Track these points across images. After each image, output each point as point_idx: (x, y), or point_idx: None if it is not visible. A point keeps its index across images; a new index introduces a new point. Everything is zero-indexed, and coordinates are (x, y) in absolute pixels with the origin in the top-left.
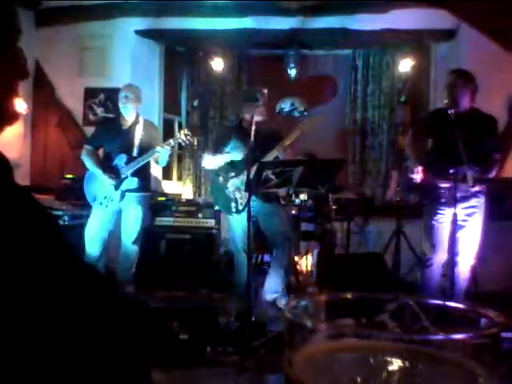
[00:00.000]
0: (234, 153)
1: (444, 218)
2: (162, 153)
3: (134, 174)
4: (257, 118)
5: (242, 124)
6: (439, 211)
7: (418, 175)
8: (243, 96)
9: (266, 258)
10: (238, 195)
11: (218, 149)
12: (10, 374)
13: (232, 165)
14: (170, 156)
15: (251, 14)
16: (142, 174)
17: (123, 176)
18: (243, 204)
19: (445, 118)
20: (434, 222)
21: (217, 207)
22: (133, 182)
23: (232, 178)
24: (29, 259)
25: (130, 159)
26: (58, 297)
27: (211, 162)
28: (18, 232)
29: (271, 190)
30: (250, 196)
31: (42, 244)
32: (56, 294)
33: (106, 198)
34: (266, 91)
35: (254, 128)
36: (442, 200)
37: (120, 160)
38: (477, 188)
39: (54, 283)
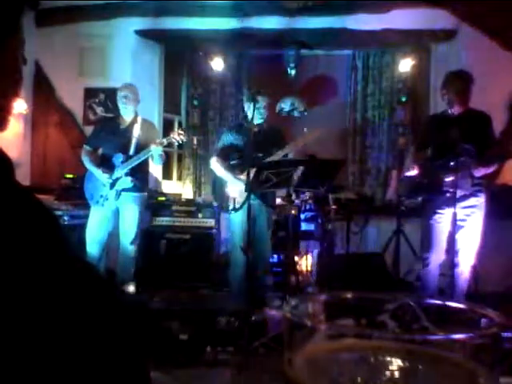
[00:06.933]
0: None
1: (442, 218)
2: (154, 151)
3: (130, 174)
4: (259, 121)
5: (243, 127)
6: (438, 211)
7: (413, 171)
8: (245, 97)
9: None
10: (236, 195)
11: (224, 158)
12: (8, 374)
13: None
14: (170, 156)
15: (251, 13)
16: (139, 173)
17: (118, 175)
18: (239, 204)
19: (442, 121)
20: (431, 222)
21: (215, 203)
22: (129, 182)
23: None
24: (30, 259)
25: (127, 158)
26: (58, 297)
27: (220, 172)
28: (19, 232)
29: (271, 190)
30: (249, 195)
31: (44, 244)
32: (56, 293)
33: (101, 196)
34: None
35: (255, 130)
36: (442, 199)
37: (117, 159)
38: (476, 186)
39: (55, 283)
